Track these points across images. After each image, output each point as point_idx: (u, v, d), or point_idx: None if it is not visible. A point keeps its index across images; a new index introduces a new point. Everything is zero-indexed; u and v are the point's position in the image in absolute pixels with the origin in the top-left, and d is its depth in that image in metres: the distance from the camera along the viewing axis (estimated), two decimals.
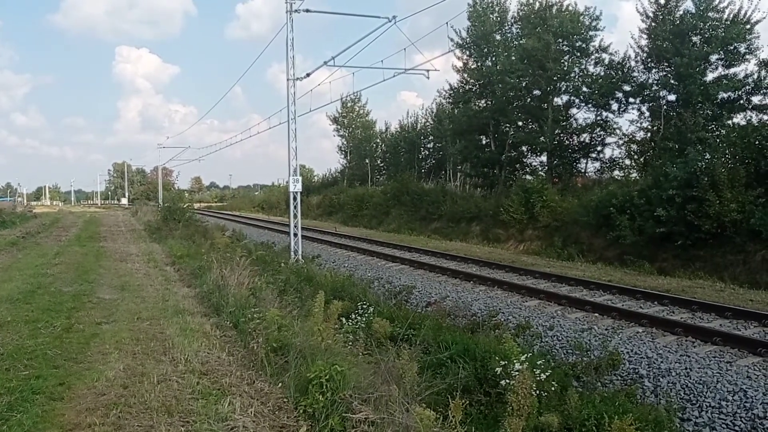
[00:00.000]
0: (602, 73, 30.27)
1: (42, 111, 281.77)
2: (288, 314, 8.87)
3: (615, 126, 30.81)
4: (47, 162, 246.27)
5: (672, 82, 26.39)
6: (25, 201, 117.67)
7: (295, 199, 20.90)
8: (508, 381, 6.39)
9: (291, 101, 20.83)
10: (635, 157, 29.41)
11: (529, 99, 33.87)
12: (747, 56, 24.99)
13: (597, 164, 32.70)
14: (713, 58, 25.64)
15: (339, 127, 61.68)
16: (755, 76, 24.53)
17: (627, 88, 28.91)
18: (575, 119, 32.96)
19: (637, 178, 26.41)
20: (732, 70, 25.39)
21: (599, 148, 32.36)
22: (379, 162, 57.16)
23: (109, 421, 5.33)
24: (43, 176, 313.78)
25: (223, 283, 11.12)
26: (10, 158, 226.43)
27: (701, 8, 25.39)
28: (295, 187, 20.70)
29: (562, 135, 32.89)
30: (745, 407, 7.30)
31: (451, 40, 34.06)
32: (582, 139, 33.10)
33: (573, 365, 9.02)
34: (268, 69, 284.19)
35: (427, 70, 21.10)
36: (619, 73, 29.25)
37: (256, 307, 8.95)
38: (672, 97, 27.16)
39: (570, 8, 31.81)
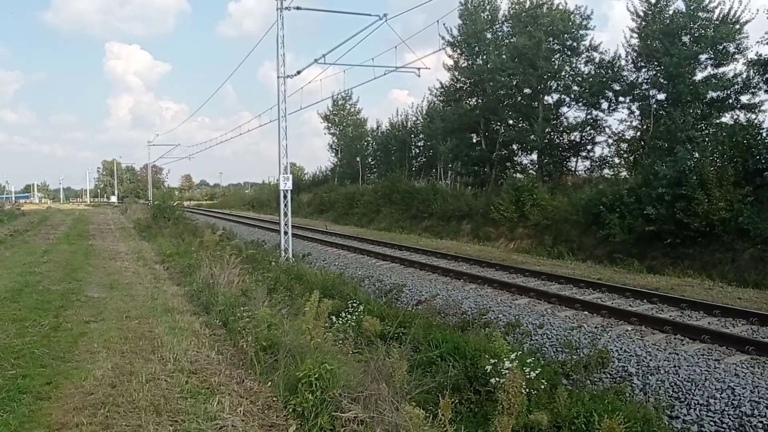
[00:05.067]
0: (592, 72, 30.41)
1: (32, 108, 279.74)
2: (278, 313, 8.84)
3: (605, 125, 31.05)
4: (36, 159, 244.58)
5: (662, 81, 26.56)
6: (39, 198, 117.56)
7: (285, 197, 20.83)
8: (497, 379, 6.40)
9: (281, 99, 20.75)
10: (625, 155, 29.61)
11: (519, 97, 33.99)
12: (736, 56, 25.24)
13: (587, 163, 33.00)
14: (703, 57, 25.87)
15: (330, 125, 61.62)
16: (744, 76, 24.76)
17: (617, 87, 29.08)
18: (566, 118, 33.22)
19: (627, 176, 26.56)
20: (721, 70, 25.63)
21: (589, 147, 32.62)
22: (370, 160, 57.14)
23: (96, 420, 5.29)
24: (32, 174, 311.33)
25: (213, 282, 11.08)
26: None
27: (691, 8, 25.55)
28: (286, 185, 20.63)
29: (552, 133, 33.01)
30: (732, 405, 7.34)
31: (442, 38, 34.19)
32: (572, 138, 33.27)
33: (562, 363, 9.05)
34: (259, 67, 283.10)
35: (418, 69, 21.03)
36: (610, 72, 29.41)
37: (246, 305, 8.92)
38: (662, 96, 27.39)
39: (561, 7, 31.94)
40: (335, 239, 28.19)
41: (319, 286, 12.51)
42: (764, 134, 19.96)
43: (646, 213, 19.60)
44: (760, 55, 23.01)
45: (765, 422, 6.91)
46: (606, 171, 30.97)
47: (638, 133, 28.82)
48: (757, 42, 22.77)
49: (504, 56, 33.03)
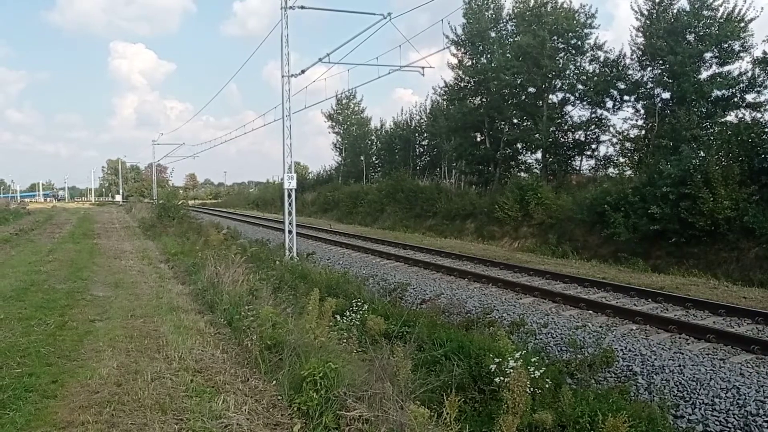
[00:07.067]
0: (597, 71, 30.36)
1: (36, 107, 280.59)
2: (282, 312, 8.85)
3: (609, 123, 31.01)
4: (41, 159, 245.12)
5: (666, 79, 26.48)
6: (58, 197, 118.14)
7: (289, 196, 20.86)
8: (502, 378, 6.41)
9: (286, 98, 20.75)
10: (629, 154, 29.55)
11: (524, 96, 33.92)
12: (741, 54, 25.13)
13: (591, 162, 32.92)
14: (707, 56, 25.79)
15: (334, 124, 61.69)
16: (749, 74, 24.63)
17: (622, 85, 29.03)
18: (570, 116, 33.11)
19: (632, 175, 26.51)
20: (726, 68, 25.53)
21: (594, 146, 32.53)
22: (374, 159, 57.14)
23: (102, 419, 5.30)
24: (37, 173, 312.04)
25: (218, 281, 11.10)
26: (4, 155, 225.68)
27: (695, 6, 25.49)
28: (290, 184, 20.65)
29: (557, 132, 32.96)
30: (737, 404, 7.33)
31: (446, 37, 34.20)
32: (577, 137, 33.20)
33: (567, 362, 9.04)
34: (264, 66, 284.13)
35: (422, 68, 21.04)
36: (614, 70, 29.35)
37: (251, 304, 8.93)
38: (666, 95, 27.32)
39: (565, 6, 31.89)
40: (339, 238, 28.21)
41: (323, 285, 12.56)
42: None
43: (650, 212, 19.57)
44: (766, 54, 22.94)
45: None
46: (611, 170, 31.00)
47: (643, 132, 28.76)
48: (763, 41, 22.75)
49: (508, 55, 32.96)
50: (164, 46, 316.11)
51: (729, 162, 19.19)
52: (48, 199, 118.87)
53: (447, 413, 5.08)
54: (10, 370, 6.68)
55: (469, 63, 36.76)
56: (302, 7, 19.94)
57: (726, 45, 25.13)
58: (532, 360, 7.33)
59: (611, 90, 29.49)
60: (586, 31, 31.28)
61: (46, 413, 5.52)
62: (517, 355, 6.95)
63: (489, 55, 34.89)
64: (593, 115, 31.58)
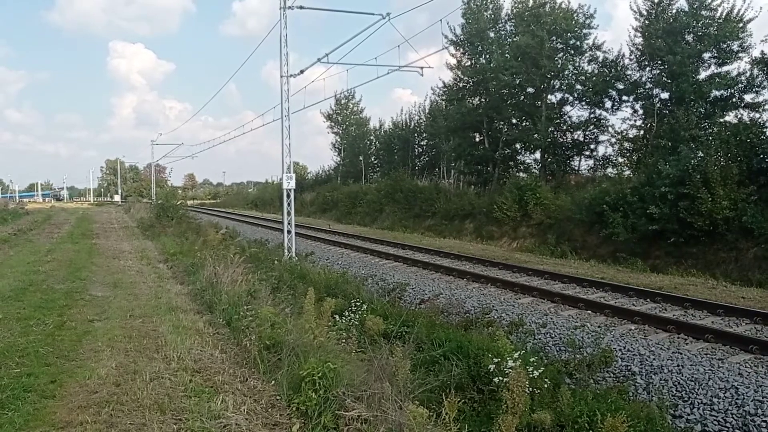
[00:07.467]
0: (596, 71, 30.37)
1: (36, 107, 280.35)
2: (281, 312, 8.86)
3: (608, 124, 31.03)
4: (41, 159, 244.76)
5: (665, 79, 26.49)
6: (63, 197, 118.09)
7: (288, 196, 20.86)
8: (501, 378, 6.41)
9: (285, 98, 20.76)
10: (628, 154, 29.57)
11: (522, 96, 33.91)
12: (740, 54, 25.13)
13: (590, 162, 32.92)
14: (706, 56, 25.81)
15: (333, 124, 61.72)
16: (748, 74, 24.64)
17: (620, 85, 29.03)
18: (569, 117, 33.11)
19: (630, 175, 26.53)
20: (725, 68, 25.53)
21: (592, 146, 32.55)
22: (373, 159, 57.13)
23: (101, 419, 5.30)
24: (36, 173, 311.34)
25: (216, 281, 11.10)
26: (3, 155, 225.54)
27: (694, 6, 25.50)
28: (289, 184, 20.65)
29: (555, 132, 32.96)
30: (736, 404, 7.34)
31: (445, 37, 34.15)
32: (575, 137, 33.22)
33: (566, 362, 9.05)
34: (263, 66, 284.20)
35: (421, 68, 21.07)
36: (613, 70, 29.37)
37: (249, 304, 8.93)
38: (665, 95, 27.32)
39: (563, 6, 31.89)
40: (338, 238, 28.20)
41: (322, 285, 12.57)
42: None
43: (649, 212, 19.58)
44: (764, 54, 22.96)
45: None
46: (609, 170, 31.01)
47: (641, 132, 28.78)
48: (762, 40, 22.75)
49: (507, 55, 32.95)
50: (163, 46, 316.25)
51: (727, 162, 19.20)
52: (47, 200, 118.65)
53: (446, 413, 5.08)
54: (8, 370, 6.67)
55: (468, 63, 36.77)
56: (301, 7, 19.95)
57: (725, 45, 25.15)
58: (531, 360, 7.34)
59: (610, 90, 29.50)
60: (584, 31, 31.28)
61: (45, 413, 5.51)
62: (515, 355, 6.96)
63: (488, 55, 34.88)
64: (592, 116, 31.62)
